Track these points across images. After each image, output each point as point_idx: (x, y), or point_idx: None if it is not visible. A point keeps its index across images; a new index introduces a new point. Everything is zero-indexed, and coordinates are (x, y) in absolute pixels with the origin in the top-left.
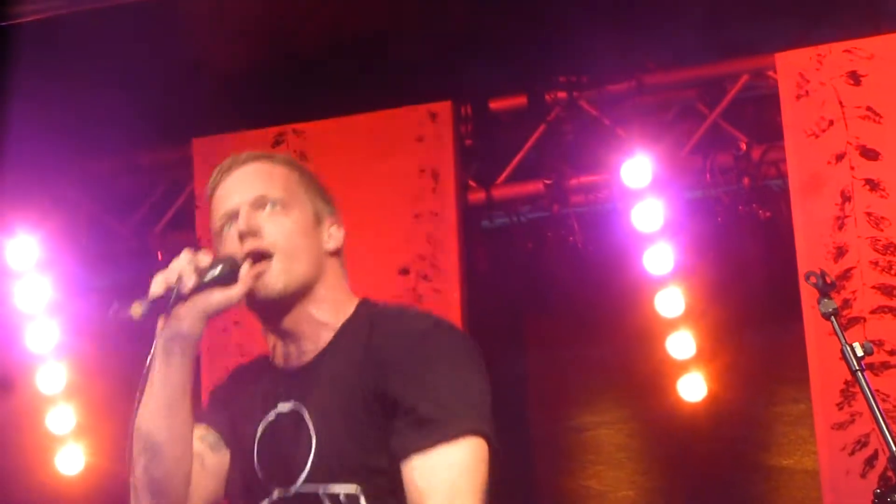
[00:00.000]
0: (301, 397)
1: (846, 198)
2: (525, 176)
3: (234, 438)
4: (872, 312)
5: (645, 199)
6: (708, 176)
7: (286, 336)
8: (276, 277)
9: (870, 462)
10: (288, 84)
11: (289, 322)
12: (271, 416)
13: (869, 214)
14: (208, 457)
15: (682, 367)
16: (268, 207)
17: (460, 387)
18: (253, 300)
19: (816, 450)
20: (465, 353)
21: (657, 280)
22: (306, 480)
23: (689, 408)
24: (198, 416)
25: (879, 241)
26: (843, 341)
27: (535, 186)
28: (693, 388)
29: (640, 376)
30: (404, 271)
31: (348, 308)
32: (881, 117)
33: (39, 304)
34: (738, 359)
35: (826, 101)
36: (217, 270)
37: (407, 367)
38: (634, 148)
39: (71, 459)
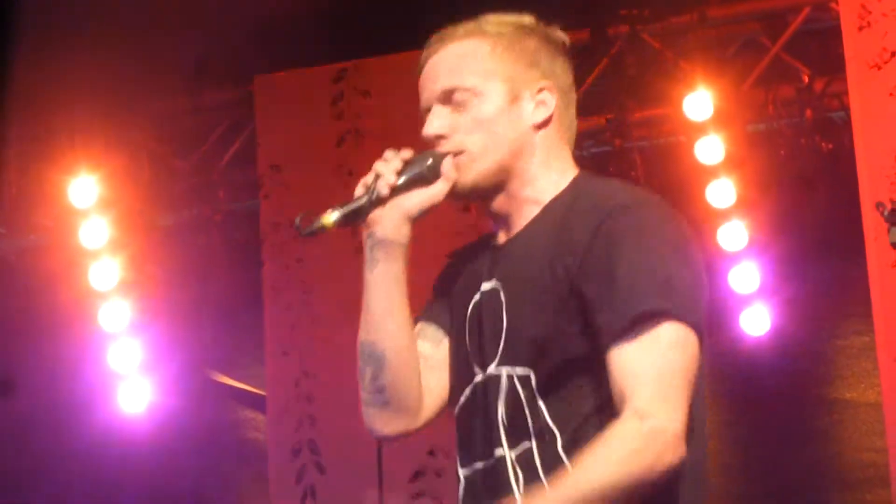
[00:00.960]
0: (500, 275)
1: None
2: (588, 111)
3: (453, 325)
4: None
5: (707, 133)
6: (770, 109)
7: (496, 217)
8: (467, 173)
9: None
10: (349, 20)
11: (496, 205)
12: (477, 295)
13: None
14: (430, 353)
15: (746, 300)
16: (455, 100)
17: (656, 266)
18: (451, 194)
19: (880, 383)
20: (666, 230)
21: (721, 213)
22: (498, 363)
23: (753, 341)
24: (418, 311)
25: None
26: None
27: (597, 121)
28: (756, 322)
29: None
30: (466, 209)
31: (561, 182)
32: None
33: (101, 242)
34: (801, 292)
35: (888, 32)
36: (417, 168)
37: (607, 242)
38: (697, 81)
39: (135, 396)
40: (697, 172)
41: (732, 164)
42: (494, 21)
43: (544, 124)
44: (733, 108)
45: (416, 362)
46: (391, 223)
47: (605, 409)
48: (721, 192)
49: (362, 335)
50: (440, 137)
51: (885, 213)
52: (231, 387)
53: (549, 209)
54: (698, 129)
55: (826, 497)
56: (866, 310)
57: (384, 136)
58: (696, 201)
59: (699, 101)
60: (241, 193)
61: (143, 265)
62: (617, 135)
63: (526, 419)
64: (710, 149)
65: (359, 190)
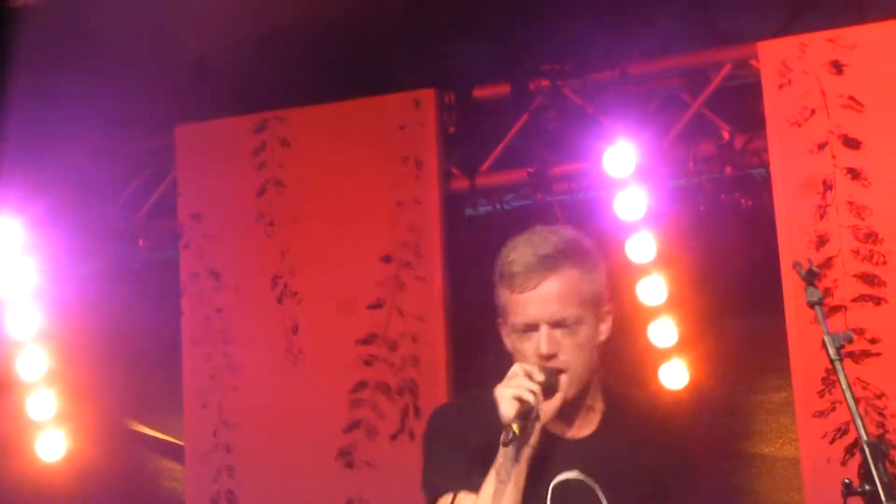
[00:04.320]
0: (585, 468)
1: (828, 187)
2: (508, 164)
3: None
4: (854, 301)
5: (628, 188)
6: (691, 164)
7: (562, 416)
8: (566, 390)
9: (850, 450)
10: (270, 71)
11: (569, 411)
12: (558, 479)
13: (850, 203)
14: None
15: (664, 354)
16: (563, 328)
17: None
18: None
19: (797, 437)
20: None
21: (639, 268)
22: None
23: (671, 395)
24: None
25: (861, 229)
26: (825, 330)
27: (518, 174)
28: (675, 376)
29: (623, 364)
30: (386, 259)
31: (601, 393)
32: (863, 106)
33: (21, 289)
34: (719, 347)
35: (808, 91)
36: (546, 384)
37: (678, 467)
38: (617, 136)
39: (52, 445)
40: (617, 227)
41: (653, 219)
42: (573, 246)
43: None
44: (654, 164)
45: None
46: (535, 435)
47: None
48: (641, 247)
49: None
50: (550, 357)
51: (803, 272)
52: (149, 436)
53: (610, 417)
54: (618, 184)
55: None
56: (784, 364)
57: (305, 185)
58: (615, 255)
59: (620, 156)
60: (161, 242)
61: (62, 313)
62: (538, 188)
63: None
64: (630, 203)
65: (511, 406)
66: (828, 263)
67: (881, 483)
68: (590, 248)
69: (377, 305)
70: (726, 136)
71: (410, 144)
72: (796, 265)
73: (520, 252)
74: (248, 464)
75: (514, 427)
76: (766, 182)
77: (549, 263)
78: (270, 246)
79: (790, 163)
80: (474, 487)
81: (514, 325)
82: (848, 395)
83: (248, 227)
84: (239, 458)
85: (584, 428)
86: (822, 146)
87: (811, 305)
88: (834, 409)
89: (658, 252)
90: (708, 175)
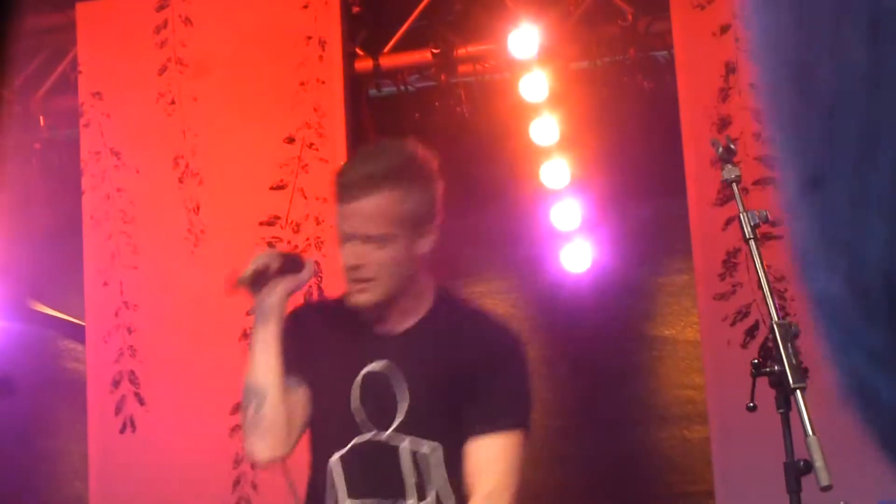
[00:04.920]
0: (396, 360)
1: (731, 69)
2: (413, 45)
3: (325, 389)
4: (754, 184)
5: (532, 70)
6: (594, 47)
7: (373, 314)
8: (370, 296)
9: (750, 332)
10: None
11: (382, 311)
12: (364, 371)
13: (753, 85)
14: (296, 396)
15: (567, 237)
16: (372, 243)
17: (518, 390)
18: (349, 303)
19: (699, 320)
20: (525, 362)
21: (544, 151)
22: (396, 430)
23: (573, 278)
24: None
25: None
26: (741, 208)
27: (422, 55)
28: (577, 259)
29: (525, 247)
30: (290, 140)
31: (429, 296)
32: None
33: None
34: (622, 229)
35: None
36: (289, 260)
37: (488, 365)
38: (521, 18)
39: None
40: (521, 109)
41: (556, 101)
42: (402, 167)
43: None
44: (557, 46)
45: (285, 403)
46: (276, 296)
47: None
48: (544, 130)
49: (249, 377)
50: (355, 268)
51: (720, 150)
52: (51, 316)
53: (428, 320)
54: (523, 66)
55: (645, 432)
56: (686, 247)
57: (207, 64)
58: (519, 138)
59: (524, 38)
60: (61, 121)
61: None
62: (442, 70)
63: (429, 478)
64: (533, 86)
65: (252, 271)
66: None
67: (789, 365)
68: (423, 168)
69: (280, 187)
70: (630, 17)
71: (314, 24)
72: (714, 142)
73: (351, 166)
74: (150, 345)
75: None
76: (670, 65)
77: (371, 182)
78: (172, 125)
79: (693, 45)
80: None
81: (339, 231)
82: (762, 273)
83: (150, 106)
84: (140, 338)
85: (400, 325)
86: (725, 29)
87: (728, 183)
88: (735, 291)
89: (561, 135)
90: (611, 57)
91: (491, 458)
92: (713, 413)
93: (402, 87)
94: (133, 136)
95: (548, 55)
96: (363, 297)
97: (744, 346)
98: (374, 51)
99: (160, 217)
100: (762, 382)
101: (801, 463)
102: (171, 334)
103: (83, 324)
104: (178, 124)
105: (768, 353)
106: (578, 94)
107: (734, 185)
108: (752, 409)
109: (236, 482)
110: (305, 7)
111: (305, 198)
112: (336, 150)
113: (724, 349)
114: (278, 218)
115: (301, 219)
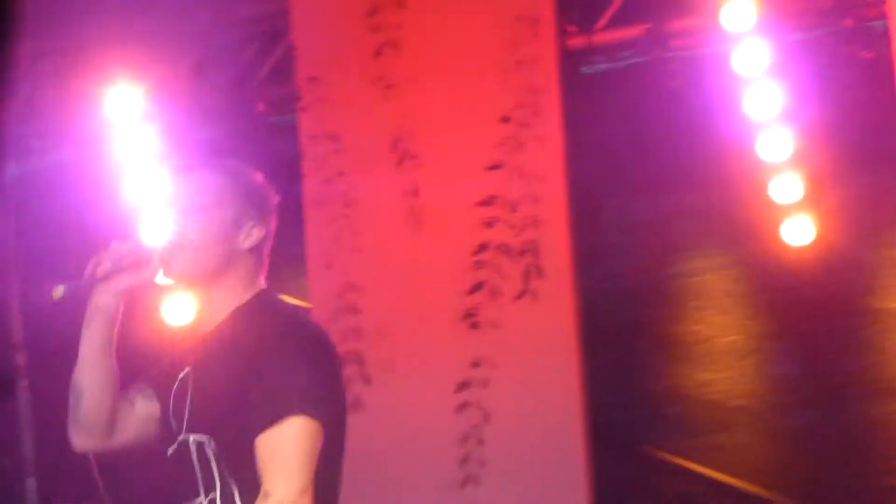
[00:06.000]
0: (196, 363)
1: None
2: (625, 21)
3: (161, 394)
4: None
5: (746, 42)
6: (810, 17)
7: (199, 307)
8: (181, 265)
9: None
10: None
11: (199, 295)
12: (181, 375)
13: None
14: (140, 404)
15: (787, 211)
16: (193, 210)
17: (294, 377)
18: (165, 279)
19: None
20: (305, 352)
21: (760, 124)
22: (185, 431)
23: (796, 252)
24: (144, 375)
25: None
26: None
27: (635, 31)
28: (800, 232)
29: (745, 221)
30: (505, 119)
31: (244, 296)
32: None
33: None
34: (844, 202)
35: None
36: (130, 257)
37: (264, 358)
38: None
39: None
40: (736, 83)
41: (772, 73)
42: (224, 169)
43: (252, 250)
44: (772, 18)
45: (108, 403)
46: (106, 296)
47: None
48: (761, 102)
49: (74, 374)
50: (172, 230)
51: None
52: None
53: (233, 316)
54: (736, 39)
55: (868, 405)
56: None
57: (421, 47)
58: (735, 112)
59: (739, 10)
60: (279, 106)
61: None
62: (654, 45)
63: (213, 474)
64: (748, 58)
65: (87, 270)
66: None
67: None
68: (260, 184)
69: (496, 167)
70: None
71: (526, 3)
72: None
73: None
74: (375, 326)
75: (56, 291)
76: (886, 34)
77: (207, 163)
78: (388, 109)
79: None
80: None
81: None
82: None
83: (366, 90)
84: (365, 320)
85: (211, 324)
86: None
87: None
88: None
89: (779, 107)
90: (827, 27)
91: (268, 455)
92: None
93: (615, 64)
94: (350, 119)
95: (762, 27)
96: (172, 268)
97: None
98: (586, 27)
99: (380, 200)
100: None
101: None
102: (395, 315)
103: (308, 306)
104: (395, 107)
105: None
106: (795, 65)
107: None
108: None
109: (463, 460)
110: None
111: (522, 177)
112: (551, 128)
113: None
114: (496, 198)
115: (518, 198)
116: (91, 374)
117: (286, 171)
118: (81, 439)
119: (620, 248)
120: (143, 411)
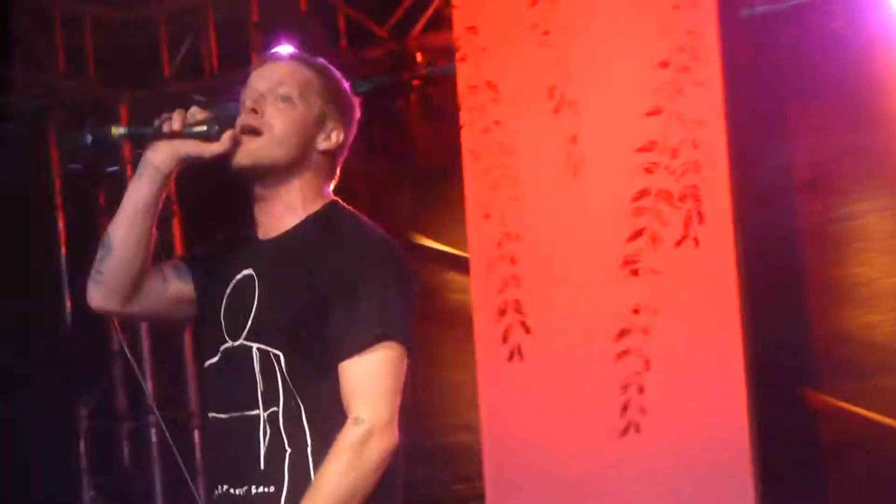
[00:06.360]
0: (258, 266)
1: None
2: None
3: (206, 293)
4: None
5: None
6: None
7: (259, 209)
8: (252, 153)
9: None
10: None
11: (261, 195)
12: (237, 277)
13: None
14: (173, 282)
15: None
16: (279, 98)
17: (384, 300)
18: (231, 166)
19: None
20: (392, 273)
21: None
22: (245, 338)
23: None
24: (183, 256)
25: None
26: None
27: None
28: None
29: None
30: (664, 64)
31: (316, 203)
32: None
33: None
34: None
35: None
36: (204, 127)
37: (350, 276)
38: None
39: None
40: None
41: None
42: (316, 65)
43: (327, 153)
44: None
45: (137, 265)
46: (163, 155)
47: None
48: None
49: (109, 226)
50: (254, 112)
51: None
52: (434, 249)
53: (306, 223)
54: None
55: None
56: None
57: None
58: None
59: None
60: (438, 56)
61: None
62: None
63: (277, 388)
64: None
65: (156, 122)
66: None
67: None
68: (342, 84)
69: (656, 112)
70: None
71: None
72: None
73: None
74: (534, 274)
75: (115, 129)
76: None
77: (290, 56)
78: (546, 56)
79: None
80: None
81: (243, 101)
82: None
83: (523, 38)
84: (524, 268)
85: (278, 228)
86: None
87: None
88: None
89: None
90: None
91: (359, 380)
92: None
93: (776, 5)
94: (508, 68)
95: None
96: (247, 151)
97: None
98: None
99: (538, 148)
100: None
101: None
102: (554, 263)
103: (466, 255)
104: (552, 55)
105: None
106: None
107: None
108: None
109: (624, 408)
110: None
111: (682, 122)
112: (711, 72)
113: None
114: (655, 143)
115: (678, 143)
116: (128, 231)
117: (443, 123)
118: (99, 297)
119: (782, 192)
120: (173, 289)
